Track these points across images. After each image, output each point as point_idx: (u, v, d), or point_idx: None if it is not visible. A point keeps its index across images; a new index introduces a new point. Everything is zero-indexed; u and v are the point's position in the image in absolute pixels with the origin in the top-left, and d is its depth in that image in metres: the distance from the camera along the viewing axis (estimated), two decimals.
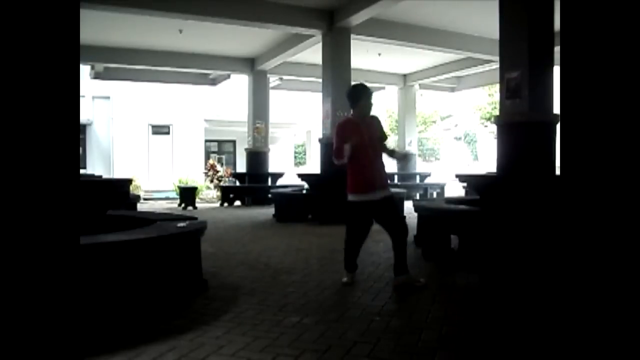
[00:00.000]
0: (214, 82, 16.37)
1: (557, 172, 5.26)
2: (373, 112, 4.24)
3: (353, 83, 4.69)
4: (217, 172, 16.33)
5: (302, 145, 25.64)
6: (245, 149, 14.44)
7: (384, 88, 17.42)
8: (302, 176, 10.66)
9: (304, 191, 10.32)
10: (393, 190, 4.47)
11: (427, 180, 15.56)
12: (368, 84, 4.33)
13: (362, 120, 4.10)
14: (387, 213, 4.04)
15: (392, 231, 4.03)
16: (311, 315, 3.28)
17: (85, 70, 15.29)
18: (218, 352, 2.62)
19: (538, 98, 5.31)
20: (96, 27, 10.26)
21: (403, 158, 4.67)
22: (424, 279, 4.15)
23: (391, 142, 20.71)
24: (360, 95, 4.09)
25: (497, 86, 6.16)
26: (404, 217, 4.20)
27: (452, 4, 9.33)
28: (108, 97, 18.98)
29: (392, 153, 4.41)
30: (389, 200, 4.07)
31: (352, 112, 4.21)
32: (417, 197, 13.48)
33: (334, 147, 4.06)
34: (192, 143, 20.09)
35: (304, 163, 24.87)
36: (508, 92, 5.48)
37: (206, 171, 16.80)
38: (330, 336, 2.86)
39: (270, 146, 14.66)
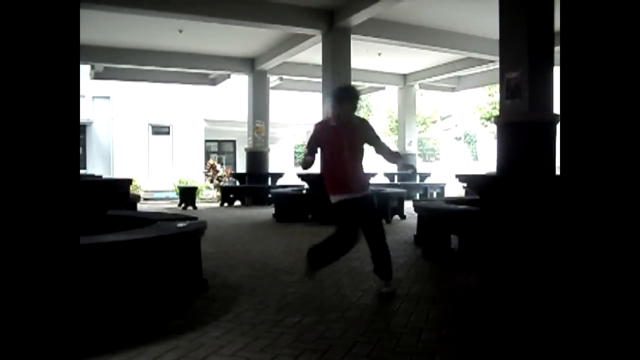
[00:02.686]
0: (214, 82, 16.37)
1: (557, 172, 5.26)
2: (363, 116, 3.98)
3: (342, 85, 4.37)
4: (217, 172, 16.34)
5: (302, 145, 25.65)
6: (245, 149, 14.44)
7: (384, 88, 17.44)
8: (302, 176, 10.64)
9: (304, 191, 10.31)
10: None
11: (427, 180, 15.54)
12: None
13: (343, 124, 3.77)
14: (368, 212, 3.80)
15: (371, 233, 3.80)
16: (311, 315, 3.28)
17: (85, 70, 15.30)
18: (218, 352, 2.62)
19: (538, 98, 5.32)
20: (96, 27, 10.26)
21: (404, 168, 4.33)
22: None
23: (390, 143, 20.74)
24: (343, 97, 3.77)
25: (497, 86, 6.16)
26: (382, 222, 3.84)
27: (452, 4, 9.33)
28: (108, 97, 18.98)
29: (395, 157, 3.97)
30: (369, 199, 3.84)
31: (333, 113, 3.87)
32: (417, 197, 13.47)
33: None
34: (192, 143, 20.09)
35: None
36: (508, 92, 5.48)
37: (206, 171, 16.80)
38: (330, 336, 2.86)
39: (270, 146, 14.66)
